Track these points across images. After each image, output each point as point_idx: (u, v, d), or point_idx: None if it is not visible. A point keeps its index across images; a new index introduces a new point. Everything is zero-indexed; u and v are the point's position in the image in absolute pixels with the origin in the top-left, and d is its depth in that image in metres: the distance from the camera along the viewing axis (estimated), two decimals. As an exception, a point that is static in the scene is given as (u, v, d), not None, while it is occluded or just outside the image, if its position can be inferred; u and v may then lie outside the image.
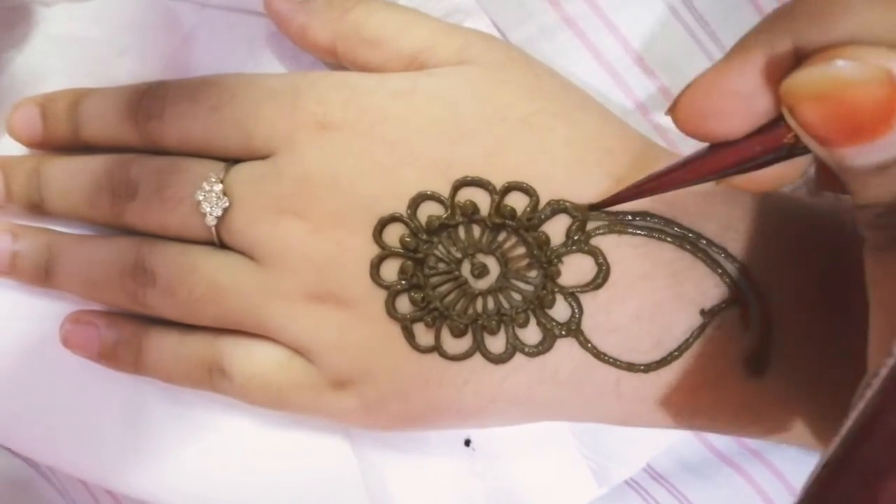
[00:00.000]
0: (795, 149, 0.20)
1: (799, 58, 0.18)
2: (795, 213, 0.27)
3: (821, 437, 0.27)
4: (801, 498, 0.16)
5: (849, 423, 0.16)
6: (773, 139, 0.20)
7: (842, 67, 0.17)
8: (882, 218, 0.19)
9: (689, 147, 0.31)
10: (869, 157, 0.18)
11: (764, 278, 0.26)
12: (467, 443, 0.32)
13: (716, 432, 0.29)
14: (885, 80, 0.17)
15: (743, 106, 0.20)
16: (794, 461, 0.33)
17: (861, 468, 0.15)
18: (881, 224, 0.19)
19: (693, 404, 0.27)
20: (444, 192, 0.26)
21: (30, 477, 0.36)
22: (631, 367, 0.26)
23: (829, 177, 0.21)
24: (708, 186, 0.27)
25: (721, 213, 0.27)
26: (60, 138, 0.31)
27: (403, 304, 0.27)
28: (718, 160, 0.21)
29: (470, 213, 0.26)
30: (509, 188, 0.26)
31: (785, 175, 0.22)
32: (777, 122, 0.20)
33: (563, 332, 0.26)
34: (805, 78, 0.18)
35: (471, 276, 0.27)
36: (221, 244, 0.29)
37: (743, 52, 0.20)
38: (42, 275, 0.31)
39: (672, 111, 0.21)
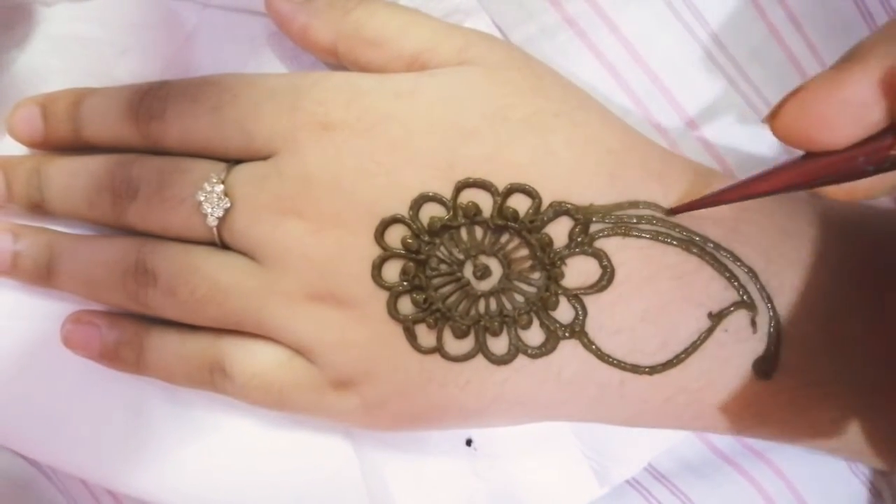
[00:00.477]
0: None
1: None
2: (805, 214, 0.27)
3: (831, 439, 0.27)
4: None
5: None
6: (878, 150, 0.19)
7: None
8: None
9: (689, 149, 0.31)
10: None
11: (773, 281, 0.26)
12: (468, 442, 0.32)
13: (720, 433, 0.29)
14: None
15: (853, 116, 0.19)
16: (796, 461, 0.33)
17: None
18: None
19: (698, 407, 0.27)
20: (446, 193, 0.26)
21: (32, 476, 0.36)
22: (635, 369, 0.26)
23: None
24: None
25: (729, 216, 0.27)
26: (61, 138, 0.31)
27: (405, 305, 0.27)
28: (815, 170, 0.21)
29: (472, 215, 0.26)
30: (512, 189, 0.26)
31: (880, 185, 0.21)
32: (883, 134, 0.19)
33: (567, 334, 0.26)
34: None
35: (473, 278, 0.27)
36: (223, 244, 0.29)
37: (860, 61, 0.19)
38: (43, 275, 0.31)
39: (773, 118, 0.21)
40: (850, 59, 0.20)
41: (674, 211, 0.26)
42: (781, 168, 0.22)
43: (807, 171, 0.21)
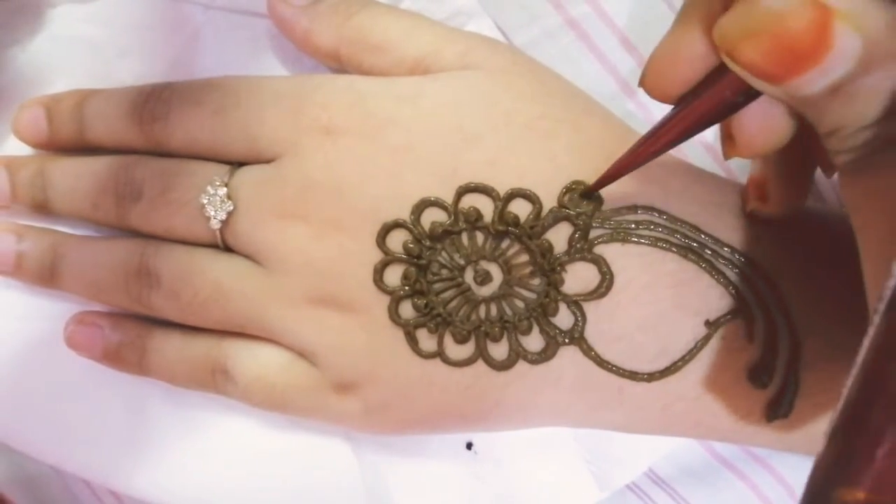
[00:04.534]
0: (750, 92, 0.20)
1: (729, 7, 0.19)
2: (802, 221, 0.27)
3: None
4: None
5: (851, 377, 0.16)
6: (733, 81, 0.20)
7: (767, 1, 0.17)
8: (849, 140, 0.19)
9: (691, 153, 0.31)
10: (818, 82, 0.18)
11: (770, 289, 0.26)
12: (469, 446, 0.32)
13: (718, 440, 0.29)
14: (809, 3, 0.17)
15: (703, 67, 0.21)
16: (797, 467, 0.33)
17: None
18: (849, 147, 0.19)
19: (696, 414, 0.27)
20: (448, 197, 0.26)
21: (39, 475, 0.36)
22: (633, 376, 0.26)
23: (730, 143, 0.22)
24: (718, 199, 0.27)
25: (728, 224, 0.27)
26: (65, 139, 0.31)
27: (406, 310, 0.27)
28: (695, 112, 0.22)
29: (473, 220, 0.26)
30: (513, 195, 0.26)
31: (771, 135, 0.21)
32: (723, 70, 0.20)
33: (566, 340, 0.26)
34: (734, 20, 0.18)
35: (474, 283, 0.27)
36: (226, 247, 0.29)
37: (686, 16, 0.21)
38: (47, 275, 0.31)
39: (642, 83, 0.22)
40: (680, 15, 0.21)
41: (589, 190, 0.26)
42: (658, 125, 0.23)
43: (688, 115, 0.22)
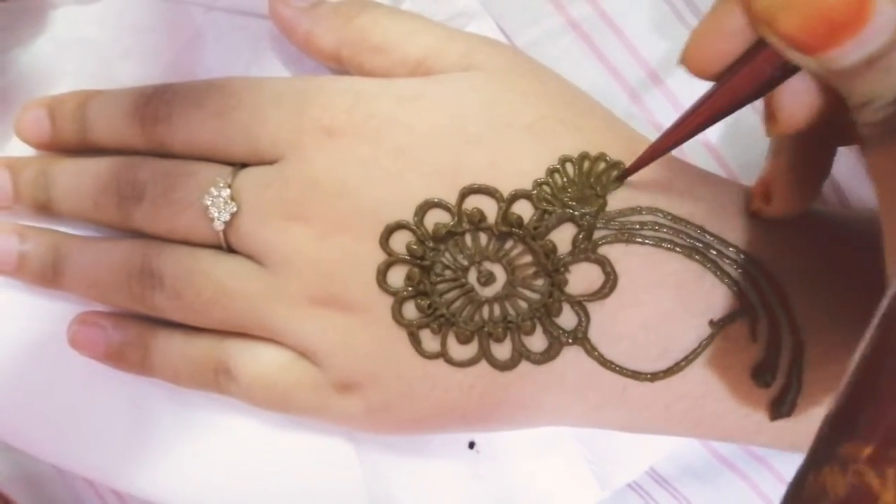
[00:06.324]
0: (787, 67, 0.20)
1: None
2: (806, 222, 0.28)
3: None
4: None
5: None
6: (771, 56, 0.20)
7: None
8: (880, 112, 0.19)
9: (692, 153, 0.31)
10: (855, 53, 0.18)
11: (774, 289, 0.26)
12: (471, 445, 0.32)
13: (721, 440, 0.29)
14: None
15: (742, 43, 0.21)
16: (798, 466, 0.33)
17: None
18: (880, 119, 0.19)
19: (698, 413, 0.27)
20: (451, 199, 0.26)
21: (41, 474, 0.36)
22: (636, 376, 0.27)
23: (773, 120, 0.22)
24: (722, 199, 0.27)
25: (732, 225, 0.27)
26: (68, 140, 0.31)
27: (410, 311, 0.27)
28: (733, 89, 0.22)
29: (477, 221, 0.26)
30: (516, 196, 0.26)
31: (812, 108, 0.22)
32: (761, 46, 0.20)
33: (570, 340, 0.26)
34: None
35: (477, 284, 0.27)
36: (228, 248, 0.29)
37: None
38: (49, 276, 0.31)
39: (683, 60, 0.22)
40: None
41: (624, 174, 0.26)
42: (695, 106, 0.23)
43: (726, 92, 0.22)
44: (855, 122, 0.20)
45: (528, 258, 0.26)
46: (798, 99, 0.21)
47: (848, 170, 0.31)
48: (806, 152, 0.25)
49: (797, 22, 0.18)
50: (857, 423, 0.15)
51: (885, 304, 0.16)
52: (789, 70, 0.21)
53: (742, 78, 0.21)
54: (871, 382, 0.15)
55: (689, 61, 0.22)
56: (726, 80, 0.22)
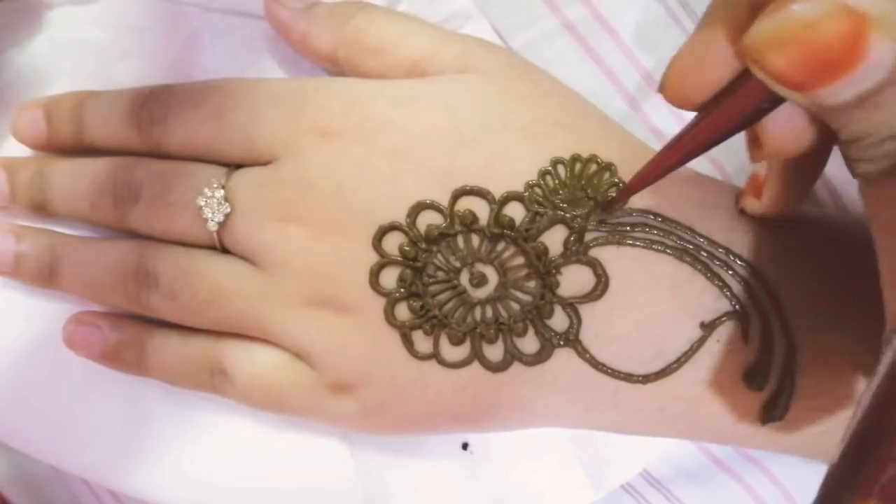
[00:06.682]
0: (775, 98, 0.20)
1: (756, 13, 0.18)
2: (799, 224, 0.28)
3: (823, 450, 0.27)
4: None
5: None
6: (758, 87, 0.20)
7: (798, 10, 0.17)
8: (871, 149, 0.18)
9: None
10: (846, 91, 0.17)
11: (767, 291, 0.26)
12: (465, 446, 0.32)
13: (714, 442, 0.29)
14: (843, 12, 0.16)
15: (727, 73, 0.20)
16: (792, 469, 0.33)
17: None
18: (871, 156, 0.18)
19: (691, 415, 0.27)
20: (444, 200, 0.26)
21: (38, 475, 0.36)
22: (628, 378, 0.27)
23: (757, 147, 0.22)
24: (714, 200, 0.27)
25: (723, 226, 0.27)
26: (64, 141, 0.31)
27: (402, 312, 0.27)
28: (707, 126, 0.21)
29: (469, 223, 0.26)
30: (508, 198, 0.26)
31: (800, 137, 0.21)
32: (747, 76, 0.20)
33: (561, 342, 0.26)
34: (764, 28, 0.17)
35: (469, 286, 0.27)
36: (223, 249, 0.29)
37: (709, 21, 0.20)
38: (45, 276, 0.31)
39: (662, 91, 0.21)
40: (704, 20, 0.20)
41: (608, 206, 0.26)
42: (679, 136, 0.23)
43: (713, 123, 0.21)
44: (846, 157, 0.19)
45: (519, 260, 0.26)
46: (785, 126, 0.21)
47: (842, 171, 0.31)
48: (806, 156, 0.25)
49: (787, 60, 0.17)
50: (862, 475, 0.15)
51: (889, 355, 0.16)
52: (778, 100, 0.20)
53: (729, 109, 0.21)
54: (875, 434, 0.15)
55: (669, 91, 0.21)
56: (710, 111, 0.21)
